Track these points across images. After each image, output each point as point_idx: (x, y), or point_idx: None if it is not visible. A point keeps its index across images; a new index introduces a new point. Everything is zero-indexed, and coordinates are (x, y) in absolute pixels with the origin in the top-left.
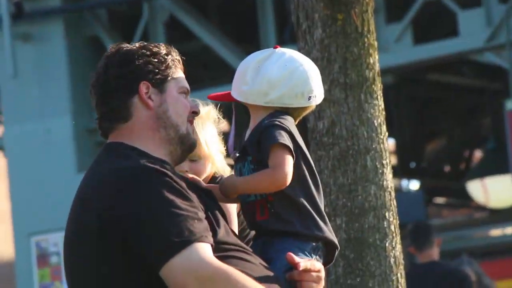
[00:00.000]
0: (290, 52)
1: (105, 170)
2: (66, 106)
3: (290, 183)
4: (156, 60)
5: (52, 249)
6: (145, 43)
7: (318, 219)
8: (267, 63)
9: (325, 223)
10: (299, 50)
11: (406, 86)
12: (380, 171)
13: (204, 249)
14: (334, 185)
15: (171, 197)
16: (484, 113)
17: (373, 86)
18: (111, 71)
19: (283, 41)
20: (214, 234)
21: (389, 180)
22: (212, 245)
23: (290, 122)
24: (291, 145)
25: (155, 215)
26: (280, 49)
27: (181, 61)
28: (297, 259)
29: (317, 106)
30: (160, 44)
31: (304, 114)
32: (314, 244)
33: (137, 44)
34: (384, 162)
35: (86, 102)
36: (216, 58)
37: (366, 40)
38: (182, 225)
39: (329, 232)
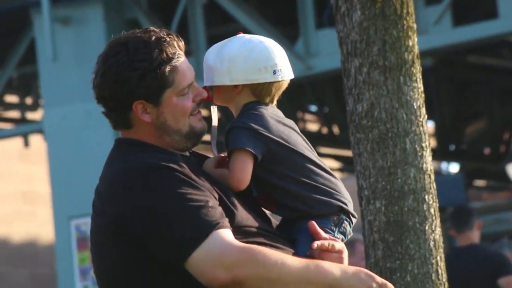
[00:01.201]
0: (250, 36)
1: (115, 170)
2: None
3: (279, 172)
4: (150, 76)
5: None
6: (146, 40)
7: (327, 190)
8: (227, 45)
9: (336, 189)
10: (338, 33)
11: (446, 69)
12: (420, 154)
13: (224, 235)
14: (373, 168)
15: (181, 191)
16: None
17: (412, 68)
18: (105, 86)
19: (321, 24)
20: (232, 217)
21: (429, 163)
22: (230, 229)
23: (259, 115)
24: (249, 147)
25: (168, 213)
26: (241, 35)
27: (183, 49)
28: (319, 233)
29: (356, 88)
30: (161, 40)
31: (279, 93)
32: (334, 218)
33: (131, 43)
34: (423, 144)
35: None
36: None
37: (405, 22)
38: (196, 218)
39: (343, 199)
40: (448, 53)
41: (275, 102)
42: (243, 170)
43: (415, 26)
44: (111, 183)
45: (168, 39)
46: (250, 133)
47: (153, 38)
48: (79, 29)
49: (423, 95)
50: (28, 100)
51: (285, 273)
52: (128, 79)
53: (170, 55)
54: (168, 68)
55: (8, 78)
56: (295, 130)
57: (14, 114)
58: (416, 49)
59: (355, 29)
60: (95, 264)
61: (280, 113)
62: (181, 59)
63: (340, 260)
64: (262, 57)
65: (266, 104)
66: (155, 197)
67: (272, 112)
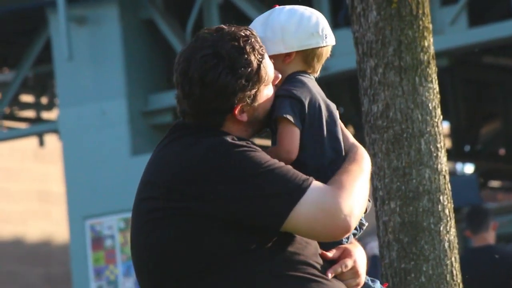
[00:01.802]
0: (290, 6)
1: (195, 151)
2: (121, 88)
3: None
4: (253, 80)
5: (106, 232)
6: (237, 45)
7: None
8: (274, 16)
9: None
10: (354, 33)
11: (461, 69)
12: (435, 154)
13: (319, 184)
14: (388, 169)
15: (267, 160)
16: None
17: (427, 69)
18: (202, 96)
19: (337, 24)
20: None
21: (444, 163)
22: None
23: (304, 85)
24: (291, 117)
25: (256, 181)
26: (279, 6)
27: (262, 45)
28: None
29: (371, 89)
30: (250, 39)
31: (323, 61)
32: None
33: (225, 51)
34: (438, 145)
35: (141, 85)
36: None
37: (421, 22)
38: (290, 175)
39: None
40: (464, 53)
41: (318, 72)
42: (292, 140)
43: (430, 26)
44: (193, 164)
45: (252, 37)
46: (294, 102)
47: (241, 39)
48: (95, 28)
49: (438, 96)
50: (44, 100)
51: (365, 188)
52: (236, 90)
53: (261, 52)
54: (264, 66)
55: (23, 78)
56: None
57: (30, 113)
58: (432, 50)
59: (371, 29)
60: (158, 255)
61: (321, 92)
62: (265, 51)
63: (355, 275)
64: (312, 23)
65: (309, 75)
66: (245, 172)
67: (314, 84)
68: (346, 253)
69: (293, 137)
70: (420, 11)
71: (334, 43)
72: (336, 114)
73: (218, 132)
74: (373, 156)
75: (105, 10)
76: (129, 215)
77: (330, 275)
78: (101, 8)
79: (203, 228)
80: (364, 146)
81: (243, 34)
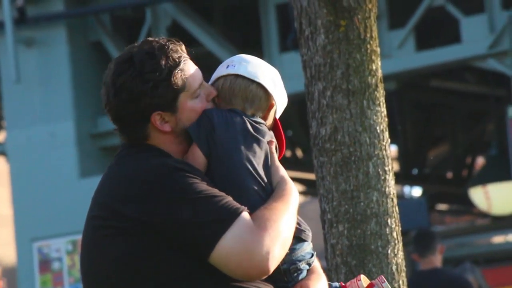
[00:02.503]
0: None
1: (129, 170)
2: (69, 110)
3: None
4: (162, 85)
5: (54, 255)
6: (150, 51)
7: None
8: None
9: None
10: (302, 56)
11: (409, 93)
12: (383, 177)
13: (243, 222)
14: (336, 192)
15: (196, 184)
16: (487, 119)
17: (375, 92)
18: (116, 103)
19: (286, 48)
20: None
21: (392, 186)
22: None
23: (235, 116)
24: (196, 136)
25: (188, 208)
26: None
27: (185, 52)
28: None
29: (319, 112)
30: (165, 47)
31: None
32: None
33: (137, 59)
34: (386, 168)
35: (89, 106)
36: (219, 63)
37: (368, 46)
38: (222, 205)
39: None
40: (412, 77)
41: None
42: (193, 158)
43: (378, 50)
44: (132, 183)
45: (170, 45)
46: (204, 120)
47: (156, 47)
48: (43, 50)
49: (386, 119)
50: None
51: (290, 225)
52: (142, 93)
53: (176, 60)
54: (178, 73)
55: None
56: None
57: None
58: (380, 73)
59: (319, 52)
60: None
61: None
62: (187, 62)
63: None
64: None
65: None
66: (183, 195)
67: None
68: None
69: (194, 155)
70: (368, 35)
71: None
72: (264, 150)
73: (159, 152)
74: (321, 179)
75: (53, 32)
76: (77, 237)
77: None
78: (49, 30)
79: (145, 248)
80: (313, 169)
81: (162, 43)
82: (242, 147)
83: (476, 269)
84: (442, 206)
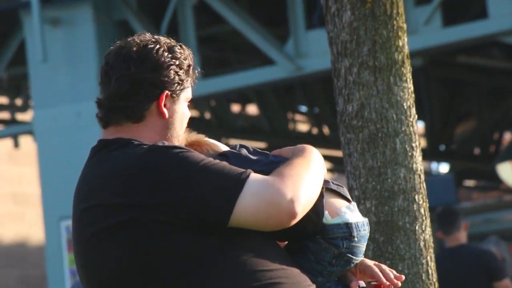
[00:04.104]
0: None
1: (121, 164)
2: (95, 90)
3: None
4: (182, 71)
5: None
6: (171, 44)
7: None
8: None
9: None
10: (328, 33)
11: (436, 69)
12: (410, 154)
13: (256, 178)
14: (364, 168)
15: (194, 157)
16: None
17: (402, 68)
18: (137, 70)
19: (312, 25)
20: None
21: (419, 163)
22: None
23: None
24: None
25: (196, 179)
26: None
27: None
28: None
29: (346, 89)
30: (181, 46)
31: None
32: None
33: (162, 41)
34: (413, 145)
35: None
36: (245, 41)
37: (395, 22)
38: (230, 171)
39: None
40: (438, 53)
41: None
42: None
43: (405, 26)
44: (129, 173)
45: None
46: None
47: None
48: (69, 30)
49: (413, 95)
50: (18, 101)
51: (311, 173)
52: (169, 66)
53: (191, 62)
54: (190, 70)
55: None
56: None
57: (4, 115)
58: (406, 49)
59: (345, 29)
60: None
61: None
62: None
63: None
64: None
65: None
66: (184, 172)
67: None
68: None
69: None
70: (394, 11)
71: None
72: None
73: (140, 143)
74: (348, 156)
75: (79, 11)
76: None
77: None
78: (75, 9)
79: (155, 237)
80: (340, 146)
81: (184, 56)
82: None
83: (501, 242)
84: (469, 182)
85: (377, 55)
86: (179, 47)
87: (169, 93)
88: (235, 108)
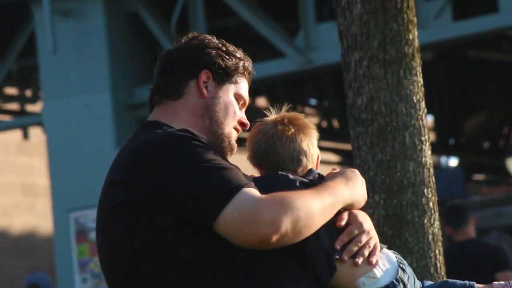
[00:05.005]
0: None
1: (140, 143)
2: (105, 81)
3: None
4: (227, 57)
5: (90, 225)
6: (225, 42)
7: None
8: None
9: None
10: (338, 26)
11: (446, 63)
12: (419, 147)
13: (252, 192)
14: (373, 162)
15: (203, 153)
16: None
17: (412, 62)
18: (181, 51)
19: (322, 18)
20: None
21: (428, 156)
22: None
23: None
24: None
25: (198, 175)
26: None
27: (250, 74)
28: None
29: (356, 82)
30: (239, 49)
31: None
32: None
33: (216, 39)
34: (422, 138)
35: (125, 77)
36: (256, 34)
37: (405, 16)
38: (226, 177)
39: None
40: (448, 47)
41: None
42: None
43: (415, 20)
44: (141, 154)
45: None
46: None
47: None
48: (79, 21)
49: (422, 89)
50: (28, 93)
51: (311, 207)
52: (211, 48)
53: (247, 64)
54: (241, 68)
55: (8, 70)
56: None
57: (14, 106)
58: (416, 43)
59: (356, 22)
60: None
61: None
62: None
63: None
64: None
65: None
66: (185, 163)
67: None
68: (352, 219)
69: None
70: (405, 5)
71: None
72: None
73: (172, 127)
74: (357, 149)
75: (89, 3)
76: None
77: (346, 258)
78: (85, 1)
79: (152, 220)
80: (349, 139)
81: (236, 52)
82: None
83: (504, 237)
84: (478, 176)
85: (387, 48)
86: (234, 47)
87: (210, 73)
88: None
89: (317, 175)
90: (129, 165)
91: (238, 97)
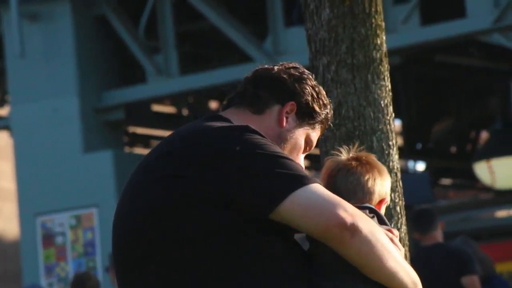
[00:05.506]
0: None
1: (214, 126)
2: (73, 85)
3: None
4: (318, 101)
5: (57, 229)
6: (321, 89)
7: None
8: None
9: None
10: (307, 31)
11: (413, 67)
12: (386, 152)
13: (323, 189)
14: None
15: (276, 149)
16: (491, 94)
17: (380, 67)
18: (281, 73)
19: (290, 22)
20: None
21: (395, 161)
22: None
23: None
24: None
25: (265, 161)
26: None
27: (327, 125)
28: None
29: (324, 86)
30: (329, 99)
31: None
32: None
33: (315, 83)
34: (390, 143)
35: (93, 81)
36: (224, 38)
37: (373, 20)
38: (298, 168)
39: None
40: (416, 51)
41: None
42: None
43: (383, 24)
44: (215, 134)
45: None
46: None
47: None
48: (47, 25)
49: (390, 94)
50: None
51: (391, 246)
52: (308, 85)
53: (329, 116)
54: (324, 116)
55: None
56: None
57: None
58: (384, 48)
59: (324, 27)
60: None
61: None
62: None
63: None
64: None
65: None
66: (258, 150)
67: None
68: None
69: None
70: (373, 9)
71: None
72: None
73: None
74: (325, 153)
75: (57, 7)
76: (80, 212)
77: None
78: (53, 5)
79: (197, 201)
80: (317, 144)
81: (327, 105)
82: None
83: (469, 241)
84: (445, 181)
85: (355, 53)
86: (325, 95)
87: (296, 107)
88: (213, 105)
89: (367, 210)
90: (198, 141)
91: (308, 141)
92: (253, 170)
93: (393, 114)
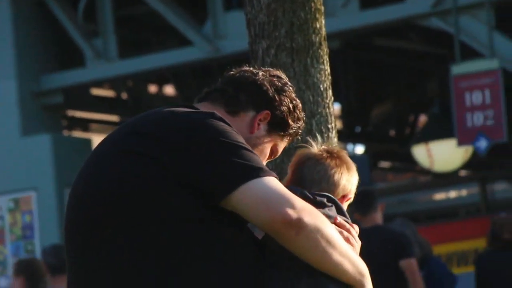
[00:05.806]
0: None
1: (179, 112)
2: (11, 69)
3: None
4: (293, 114)
5: None
6: (299, 103)
7: None
8: None
9: None
10: (246, 15)
11: (353, 51)
12: (326, 135)
13: (279, 183)
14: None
15: (239, 139)
16: (430, 78)
17: (319, 50)
18: (265, 81)
19: (230, 6)
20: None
21: (335, 144)
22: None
23: None
24: None
25: (227, 149)
26: None
27: (292, 140)
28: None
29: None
30: (304, 113)
31: None
32: None
33: (294, 96)
34: (329, 126)
35: (32, 65)
36: (163, 22)
37: (312, 4)
38: (256, 160)
39: None
40: (355, 35)
41: None
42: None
43: (322, 8)
44: (178, 119)
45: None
46: None
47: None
48: None
49: (329, 77)
50: None
51: (336, 240)
52: (287, 97)
53: (300, 132)
54: (295, 131)
55: None
56: None
57: None
58: (324, 32)
59: (263, 11)
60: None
61: None
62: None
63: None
64: None
65: None
66: (221, 138)
67: None
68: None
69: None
70: None
71: None
72: None
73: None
74: None
75: None
76: (19, 195)
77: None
78: None
79: (160, 181)
80: None
81: (301, 118)
82: None
83: (408, 224)
84: (384, 164)
85: (295, 37)
86: (300, 109)
87: (270, 117)
88: (152, 88)
89: (325, 198)
90: (164, 124)
91: (274, 150)
92: (212, 156)
93: (332, 98)
